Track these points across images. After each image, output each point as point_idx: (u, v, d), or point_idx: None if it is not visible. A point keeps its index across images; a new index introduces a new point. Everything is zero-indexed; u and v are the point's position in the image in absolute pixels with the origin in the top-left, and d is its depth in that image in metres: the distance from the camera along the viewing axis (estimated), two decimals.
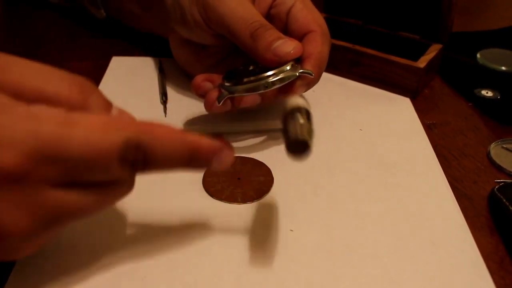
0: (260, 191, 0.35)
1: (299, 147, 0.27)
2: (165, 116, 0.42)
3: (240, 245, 0.31)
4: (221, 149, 0.26)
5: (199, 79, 0.38)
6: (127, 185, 0.26)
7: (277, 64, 0.35)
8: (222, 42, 0.40)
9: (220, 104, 0.36)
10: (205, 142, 0.25)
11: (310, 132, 0.27)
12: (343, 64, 0.49)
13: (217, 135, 0.26)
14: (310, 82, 0.37)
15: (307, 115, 0.28)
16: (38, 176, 0.22)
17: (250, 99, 0.37)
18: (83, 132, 0.22)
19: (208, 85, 0.38)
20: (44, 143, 0.21)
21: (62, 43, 0.55)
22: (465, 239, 0.32)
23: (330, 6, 0.55)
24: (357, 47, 0.48)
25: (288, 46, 0.35)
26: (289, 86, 0.36)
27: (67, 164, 0.22)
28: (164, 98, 0.44)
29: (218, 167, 0.26)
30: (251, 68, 0.38)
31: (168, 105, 0.44)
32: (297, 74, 0.36)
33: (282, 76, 0.35)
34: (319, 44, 0.37)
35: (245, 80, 0.35)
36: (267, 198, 0.34)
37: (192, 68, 0.45)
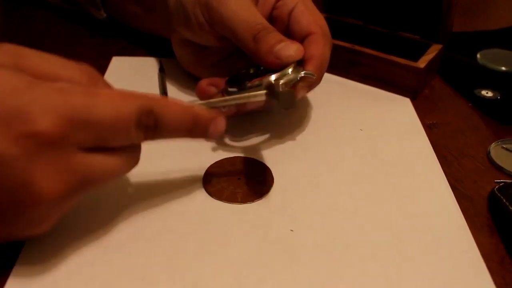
0: (260, 191, 0.35)
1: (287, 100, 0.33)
2: None
3: (240, 245, 0.31)
4: (215, 118, 0.31)
5: (204, 83, 0.38)
6: (139, 152, 0.29)
7: (279, 66, 0.35)
8: (225, 43, 0.40)
9: (226, 109, 0.36)
10: (203, 111, 0.30)
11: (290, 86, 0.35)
12: (343, 64, 0.49)
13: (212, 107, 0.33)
14: (311, 83, 0.38)
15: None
16: (71, 141, 0.24)
17: (254, 103, 0.37)
18: (106, 100, 0.25)
19: (213, 89, 0.38)
20: (75, 109, 0.24)
21: (62, 43, 0.55)
22: (465, 239, 0.32)
23: (330, 6, 0.55)
24: (357, 47, 0.48)
25: (289, 49, 0.35)
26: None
27: (95, 128, 0.25)
28: None
29: (213, 134, 0.31)
30: (252, 71, 0.38)
31: None
32: (299, 77, 0.36)
33: (285, 80, 0.35)
34: (320, 46, 0.38)
35: (249, 85, 0.35)
36: (267, 198, 0.34)
37: (194, 67, 0.45)
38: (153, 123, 0.27)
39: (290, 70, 0.35)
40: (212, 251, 0.30)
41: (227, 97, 0.34)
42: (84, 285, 0.28)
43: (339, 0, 0.54)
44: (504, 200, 0.34)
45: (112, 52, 0.51)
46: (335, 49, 0.49)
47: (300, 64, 0.36)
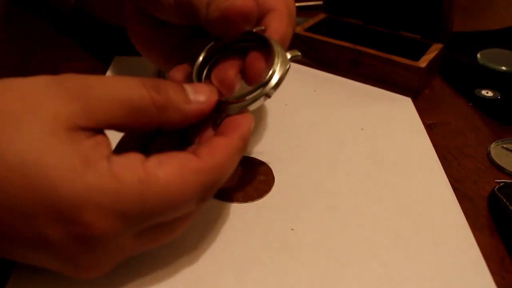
0: (261, 190, 0.35)
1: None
2: None
3: (240, 244, 0.31)
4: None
5: (179, 76, 0.33)
6: (195, 214, 0.27)
7: (226, 26, 0.31)
8: (181, 18, 0.35)
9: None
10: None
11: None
12: (344, 64, 0.49)
13: None
14: None
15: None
16: (118, 234, 0.23)
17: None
18: (163, 188, 0.23)
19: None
20: (128, 205, 0.22)
21: (62, 43, 0.55)
22: (465, 239, 0.32)
23: (331, 6, 0.55)
24: (358, 47, 0.48)
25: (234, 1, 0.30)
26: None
27: (148, 221, 0.24)
28: None
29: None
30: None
31: None
32: (289, 65, 0.30)
33: (281, 72, 0.29)
34: (283, 24, 0.34)
35: (247, 94, 0.29)
36: (268, 197, 0.34)
37: (152, 51, 0.40)
38: (213, 193, 0.26)
39: (278, 65, 0.30)
40: (212, 250, 0.30)
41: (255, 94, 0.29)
42: (84, 285, 0.28)
43: (340, 0, 0.54)
44: (504, 200, 0.34)
45: (112, 52, 0.51)
46: (336, 49, 0.49)
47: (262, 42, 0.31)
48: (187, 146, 0.29)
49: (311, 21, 0.53)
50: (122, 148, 0.29)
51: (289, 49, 0.31)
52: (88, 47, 0.54)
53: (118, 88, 0.24)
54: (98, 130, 0.24)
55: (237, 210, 0.33)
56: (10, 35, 0.57)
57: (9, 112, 0.22)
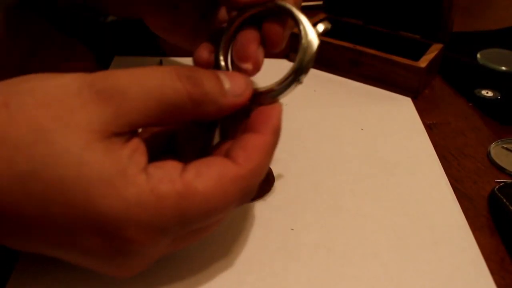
0: (261, 190, 0.35)
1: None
2: None
3: (240, 244, 0.31)
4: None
5: (206, 54, 0.32)
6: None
7: (250, 1, 0.29)
8: None
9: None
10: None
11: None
12: (344, 64, 0.49)
13: None
14: None
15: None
16: (156, 244, 0.23)
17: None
18: (202, 201, 0.23)
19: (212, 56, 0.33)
20: (167, 220, 0.22)
21: (62, 43, 0.55)
22: (465, 239, 0.32)
23: (330, 6, 0.55)
24: (358, 47, 0.48)
25: None
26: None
27: (186, 230, 0.24)
28: None
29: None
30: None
31: None
32: (319, 41, 0.28)
33: (311, 53, 0.28)
34: None
35: (279, 82, 0.28)
36: (268, 197, 0.34)
37: (175, 35, 0.40)
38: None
39: (306, 44, 0.28)
40: (212, 250, 0.30)
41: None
42: (85, 283, 0.28)
43: (340, 0, 0.54)
44: (504, 200, 0.34)
45: (112, 52, 0.52)
46: (336, 49, 0.49)
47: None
48: (213, 131, 0.29)
49: (311, 21, 0.53)
50: (152, 142, 0.28)
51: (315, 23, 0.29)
52: (88, 47, 0.54)
53: (151, 84, 0.23)
54: (132, 132, 0.23)
55: (237, 210, 0.33)
56: (10, 35, 0.57)
57: (38, 124, 0.21)
